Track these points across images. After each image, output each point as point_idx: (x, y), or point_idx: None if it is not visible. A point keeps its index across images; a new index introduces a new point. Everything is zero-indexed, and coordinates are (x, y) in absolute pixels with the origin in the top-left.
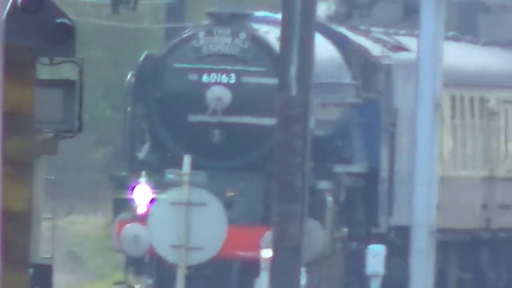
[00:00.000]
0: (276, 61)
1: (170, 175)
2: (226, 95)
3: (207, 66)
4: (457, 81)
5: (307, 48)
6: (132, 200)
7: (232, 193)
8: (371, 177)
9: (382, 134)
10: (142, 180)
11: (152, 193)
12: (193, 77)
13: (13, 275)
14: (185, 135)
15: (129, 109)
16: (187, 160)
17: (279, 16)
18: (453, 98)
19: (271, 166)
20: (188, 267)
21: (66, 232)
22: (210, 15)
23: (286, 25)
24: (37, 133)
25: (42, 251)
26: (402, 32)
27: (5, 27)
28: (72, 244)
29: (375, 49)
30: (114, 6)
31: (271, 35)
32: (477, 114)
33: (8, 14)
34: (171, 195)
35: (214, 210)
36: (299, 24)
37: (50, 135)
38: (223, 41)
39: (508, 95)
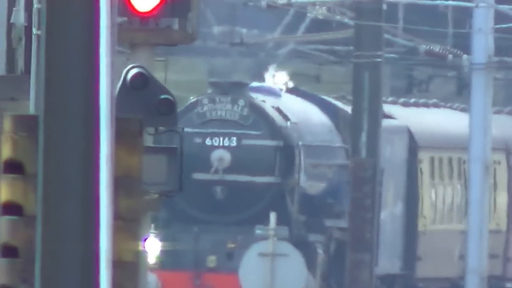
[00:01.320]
0: (272, 126)
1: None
2: (227, 156)
3: (210, 131)
4: (436, 144)
5: (375, 118)
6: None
7: (233, 245)
8: None
9: None
10: (152, 233)
11: (160, 245)
12: (198, 140)
13: None
14: (191, 191)
15: None
16: (273, 216)
17: (274, 86)
18: (432, 160)
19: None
20: None
21: None
22: (213, 84)
23: (356, 98)
24: (144, 194)
25: None
26: (389, 99)
27: (117, 102)
28: None
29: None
30: None
31: (267, 103)
32: (456, 173)
33: (119, 91)
34: (259, 247)
35: (296, 261)
36: (368, 97)
37: (155, 195)
38: (224, 107)
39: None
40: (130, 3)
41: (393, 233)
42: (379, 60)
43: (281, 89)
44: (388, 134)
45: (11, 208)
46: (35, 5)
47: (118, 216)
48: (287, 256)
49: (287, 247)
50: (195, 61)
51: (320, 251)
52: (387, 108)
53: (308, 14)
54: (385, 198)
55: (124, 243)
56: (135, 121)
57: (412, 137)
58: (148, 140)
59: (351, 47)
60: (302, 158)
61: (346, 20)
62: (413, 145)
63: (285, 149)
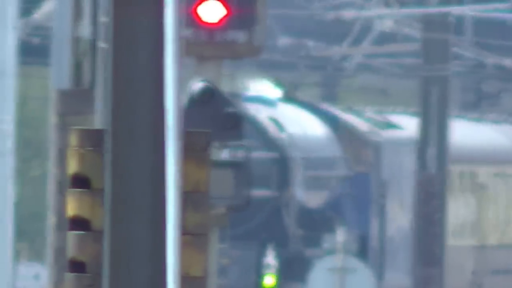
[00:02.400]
0: (266, 137)
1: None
2: None
3: None
4: (450, 157)
5: (442, 134)
6: None
7: (227, 260)
8: (361, 246)
9: (372, 204)
10: None
11: None
12: None
13: None
14: None
15: None
16: (340, 231)
17: (268, 96)
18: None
19: (266, 235)
20: None
21: None
22: None
23: (424, 112)
24: (212, 208)
25: None
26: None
27: (183, 116)
28: None
29: (364, 127)
30: None
31: (263, 113)
32: (468, 187)
33: (186, 105)
34: (327, 262)
35: (365, 276)
36: (436, 111)
37: (222, 209)
38: None
39: (497, 169)
40: (197, 15)
41: (399, 248)
42: (447, 73)
43: (277, 99)
44: (394, 145)
45: (79, 223)
46: (101, 19)
47: (185, 231)
48: (356, 271)
49: (355, 262)
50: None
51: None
52: (396, 118)
53: (375, 27)
54: (389, 211)
55: (192, 258)
56: (203, 135)
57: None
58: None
59: (419, 60)
60: (299, 170)
61: (413, 33)
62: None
63: (280, 161)
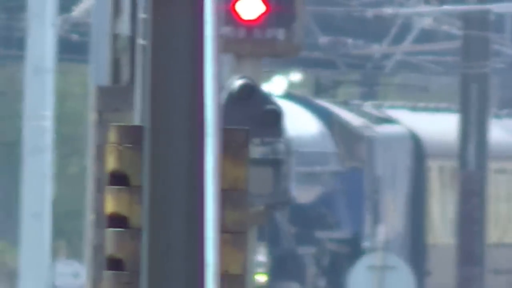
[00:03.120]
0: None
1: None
2: None
3: None
4: (448, 152)
5: (483, 130)
6: None
7: None
8: (354, 243)
9: (365, 201)
10: None
11: None
12: None
13: None
14: None
15: None
16: (381, 228)
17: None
18: (441, 169)
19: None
20: None
21: None
22: None
23: (464, 109)
24: (250, 206)
25: None
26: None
27: (222, 113)
28: None
29: (358, 121)
30: None
31: None
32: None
33: (225, 101)
34: (367, 260)
35: (404, 273)
36: (476, 108)
37: (261, 207)
38: None
39: (498, 165)
40: (236, 12)
41: (398, 247)
42: (486, 70)
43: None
44: (387, 140)
45: (117, 220)
46: (140, 15)
47: (224, 229)
48: (396, 268)
49: (395, 260)
50: (301, 73)
51: (310, 263)
52: (392, 113)
53: (415, 25)
54: (383, 207)
55: (230, 256)
56: (242, 132)
57: (419, 144)
58: (253, 152)
59: (459, 58)
60: (291, 165)
61: (453, 30)
62: (420, 152)
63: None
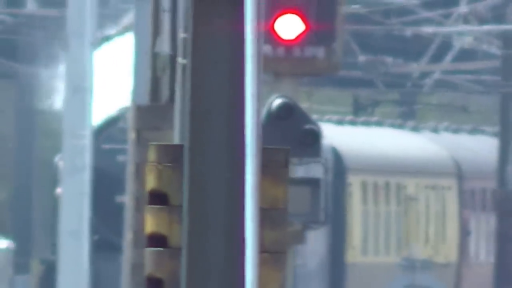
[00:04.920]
0: None
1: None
2: None
3: None
4: (371, 167)
5: None
6: None
7: None
8: None
9: None
10: None
11: None
12: (121, 158)
13: None
14: (113, 217)
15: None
16: (417, 247)
17: None
18: (364, 184)
19: None
20: None
21: None
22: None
23: (504, 129)
24: (288, 225)
25: None
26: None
27: (262, 133)
28: None
29: None
30: None
31: None
32: (393, 200)
33: (264, 121)
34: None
35: None
36: None
37: (299, 226)
38: None
39: (429, 181)
40: (275, 31)
41: (316, 266)
42: None
43: None
44: None
45: (156, 240)
46: (180, 34)
47: (263, 249)
48: None
49: (429, 279)
50: (339, 91)
51: None
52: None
53: (455, 44)
54: None
55: (269, 276)
56: (281, 152)
57: (339, 158)
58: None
59: (498, 77)
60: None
61: (493, 49)
62: (341, 167)
63: None
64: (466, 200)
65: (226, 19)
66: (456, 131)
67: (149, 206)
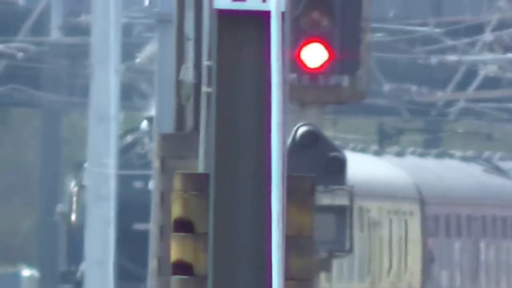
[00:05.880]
0: None
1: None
2: None
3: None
4: None
5: None
6: None
7: None
8: None
9: None
10: None
11: None
12: (138, 184)
13: None
14: (130, 243)
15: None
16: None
17: None
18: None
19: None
20: None
21: None
22: (150, 119)
23: None
24: (315, 253)
25: None
26: None
27: (287, 161)
28: None
29: None
30: None
31: None
32: (356, 224)
33: (289, 149)
34: None
35: None
36: None
37: (325, 254)
38: None
39: (392, 205)
40: (300, 60)
41: None
42: None
43: None
44: None
45: (182, 267)
46: (205, 62)
47: (289, 276)
48: None
49: None
50: (364, 120)
51: None
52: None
53: (479, 72)
54: None
55: None
56: (307, 180)
57: None
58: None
59: None
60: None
61: None
62: None
63: None
64: (429, 226)
65: (251, 47)
66: (421, 155)
67: (175, 233)
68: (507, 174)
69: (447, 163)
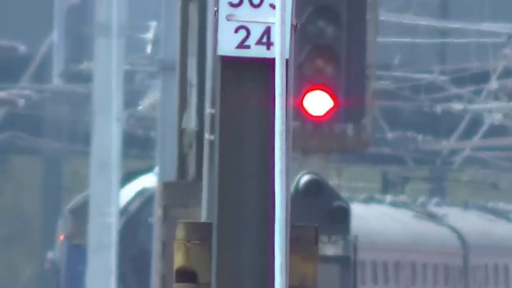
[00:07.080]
0: None
1: None
2: None
3: None
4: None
5: None
6: None
7: None
8: None
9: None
10: None
11: None
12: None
13: None
14: None
15: None
16: None
17: None
18: None
19: None
20: None
21: None
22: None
23: None
24: None
25: None
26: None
27: (290, 209)
28: None
29: None
30: None
31: None
32: None
33: (292, 197)
34: None
35: None
36: None
37: None
38: None
39: None
40: (304, 108)
41: None
42: None
43: None
44: None
45: None
46: (208, 110)
47: None
48: None
49: None
50: (369, 168)
51: None
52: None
53: (485, 120)
54: None
55: None
56: (311, 229)
57: None
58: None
59: None
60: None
61: None
62: None
63: None
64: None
65: (254, 94)
66: (350, 199)
67: (177, 283)
68: (440, 220)
69: (376, 208)
